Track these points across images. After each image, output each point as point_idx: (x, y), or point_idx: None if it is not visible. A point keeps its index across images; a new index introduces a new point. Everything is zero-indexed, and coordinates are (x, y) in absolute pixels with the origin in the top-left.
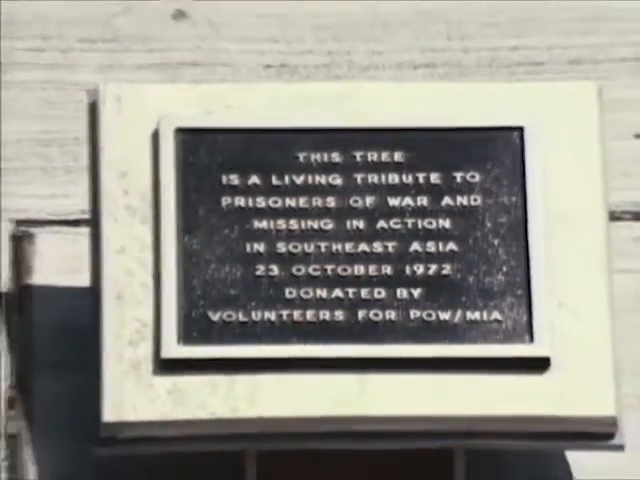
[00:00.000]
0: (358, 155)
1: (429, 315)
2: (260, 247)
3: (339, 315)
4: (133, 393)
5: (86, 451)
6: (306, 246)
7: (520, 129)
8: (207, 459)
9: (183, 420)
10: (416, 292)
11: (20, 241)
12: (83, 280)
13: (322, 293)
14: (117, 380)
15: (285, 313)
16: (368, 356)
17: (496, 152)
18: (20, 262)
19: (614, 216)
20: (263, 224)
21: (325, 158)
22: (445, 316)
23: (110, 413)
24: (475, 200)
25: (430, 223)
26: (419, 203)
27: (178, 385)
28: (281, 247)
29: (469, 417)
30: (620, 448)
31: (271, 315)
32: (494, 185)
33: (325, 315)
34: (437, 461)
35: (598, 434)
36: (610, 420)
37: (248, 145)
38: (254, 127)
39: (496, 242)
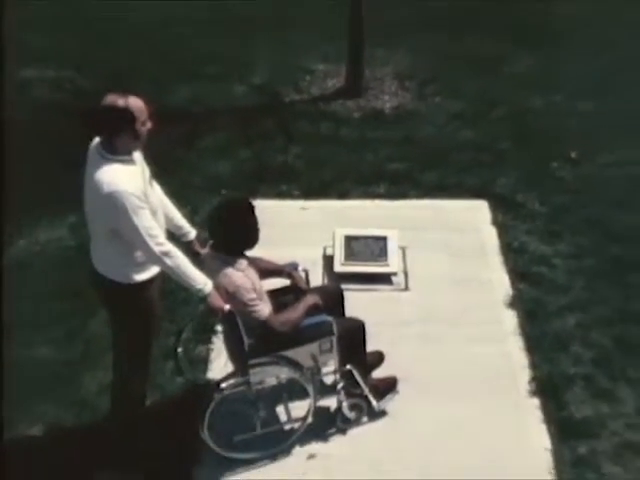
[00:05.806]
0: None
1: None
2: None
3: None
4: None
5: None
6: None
7: (385, 237)
8: None
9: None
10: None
11: None
12: None
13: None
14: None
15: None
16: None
17: (384, 242)
18: None
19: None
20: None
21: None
22: (381, 261)
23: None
24: (385, 245)
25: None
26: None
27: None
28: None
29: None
30: (395, 274)
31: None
32: (382, 245)
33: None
34: None
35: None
36: (395, 272)
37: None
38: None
39: (383, 248)
